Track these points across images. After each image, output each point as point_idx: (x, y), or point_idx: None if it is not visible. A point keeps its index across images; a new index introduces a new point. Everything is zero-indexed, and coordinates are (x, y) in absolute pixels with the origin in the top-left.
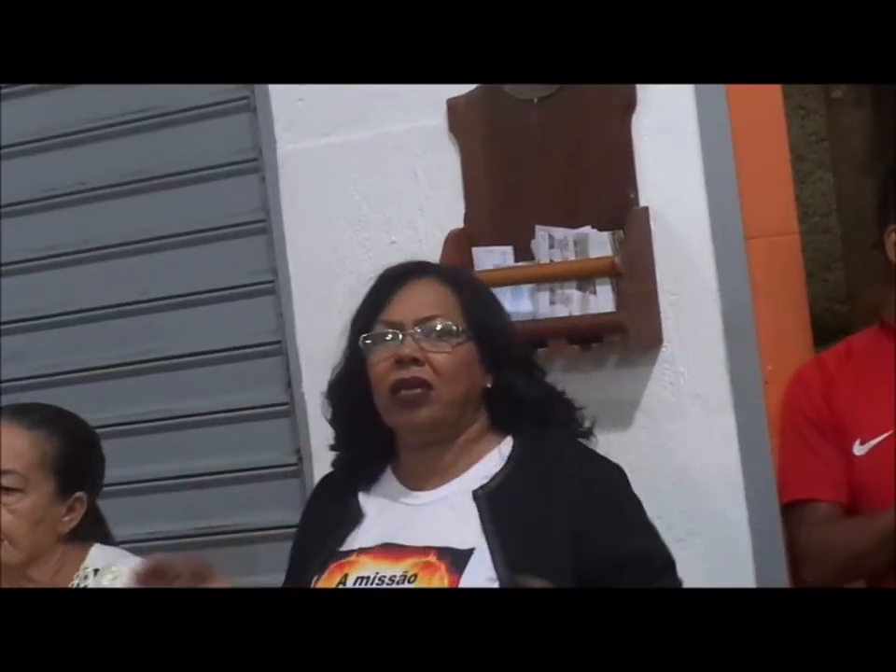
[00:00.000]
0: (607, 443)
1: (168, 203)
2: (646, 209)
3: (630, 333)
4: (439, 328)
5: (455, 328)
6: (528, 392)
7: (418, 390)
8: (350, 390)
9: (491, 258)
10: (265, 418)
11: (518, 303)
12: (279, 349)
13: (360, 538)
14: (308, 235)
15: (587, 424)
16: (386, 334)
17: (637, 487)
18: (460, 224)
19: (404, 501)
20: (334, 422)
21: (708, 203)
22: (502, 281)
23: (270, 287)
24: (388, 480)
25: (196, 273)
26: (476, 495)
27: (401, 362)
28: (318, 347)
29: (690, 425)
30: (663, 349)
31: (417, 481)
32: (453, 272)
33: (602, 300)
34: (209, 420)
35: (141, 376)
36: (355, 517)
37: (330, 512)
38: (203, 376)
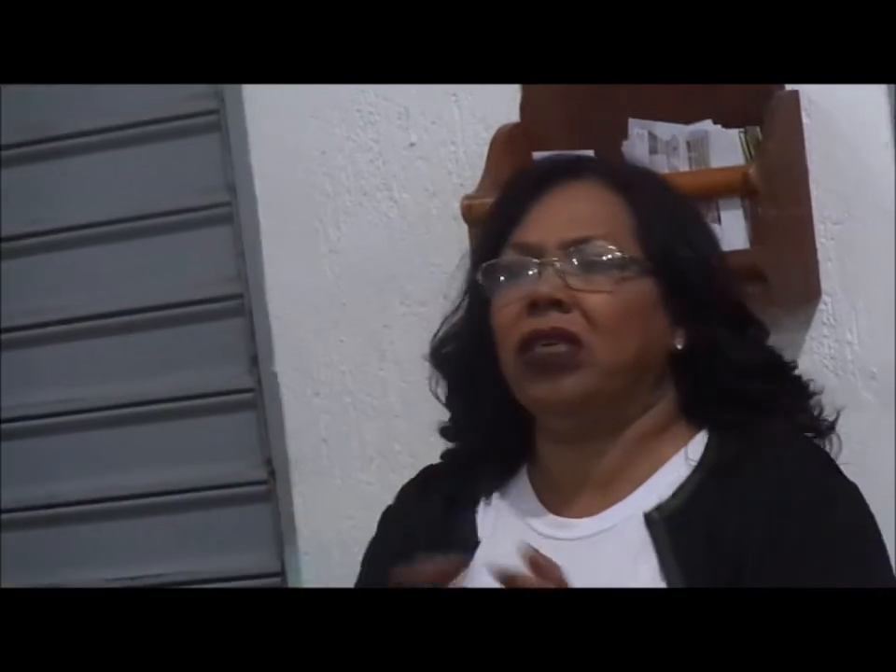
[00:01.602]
0: None
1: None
2: (795, 94)
3: (772, 282)
4: (596, 255)
5: (622, 255)
6: (742, 360)
7: (561, 347)
8: (466, 351)
9: None
10: (220, 411)
11: None
12: (239, 307)
13: (469, 577)
14: (280, 131)
15: (828, 417)
16: (519, 264)
17: None
18: (514, 117)
19: (543, 530)
20: (445, 398)
21: (890, 89)
22: None
23: (225, 212)
24: (522, 489)
25: (117, 190)
26: (650, 519)
27: (536, 305)
28: (298, 303)
29: (862, 417)
30: (821, 307)
31: (564, 497)
32: (628, 171)
33: (729, 231)
34: (134, 414)
35: (37, 347)
36: (465, 541)
37: (430, 527)
38: (126, 346)
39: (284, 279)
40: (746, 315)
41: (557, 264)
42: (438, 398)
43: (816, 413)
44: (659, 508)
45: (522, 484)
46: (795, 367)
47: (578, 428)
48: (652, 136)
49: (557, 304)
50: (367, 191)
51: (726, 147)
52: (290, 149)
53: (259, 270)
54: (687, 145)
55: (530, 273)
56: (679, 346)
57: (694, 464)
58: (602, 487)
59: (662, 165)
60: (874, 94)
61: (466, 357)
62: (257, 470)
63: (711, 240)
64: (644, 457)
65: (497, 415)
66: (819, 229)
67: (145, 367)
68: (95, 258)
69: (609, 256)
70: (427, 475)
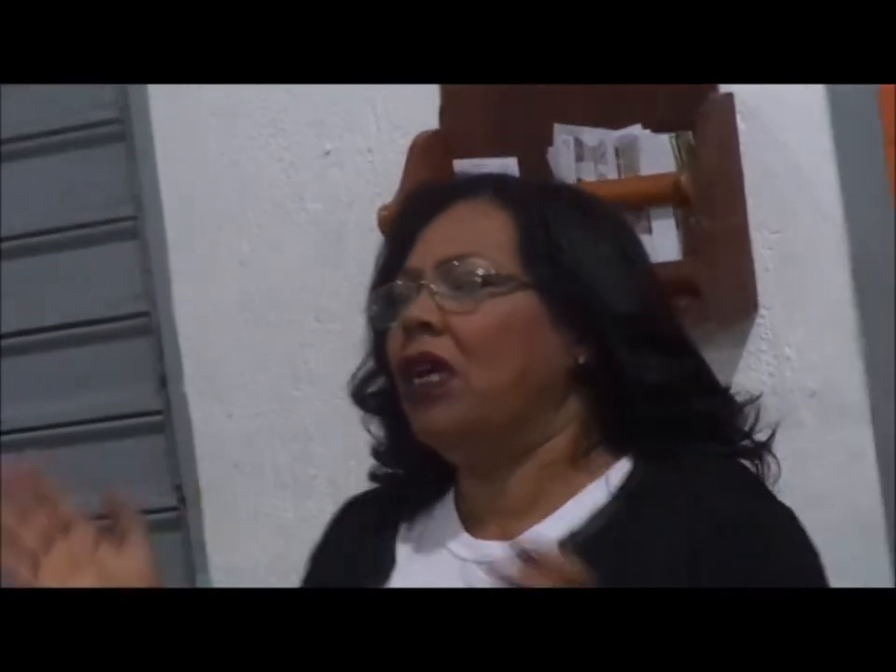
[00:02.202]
0: None
1: None
2: (730, 97)
3: (706, 295)
4: (468, 273)
5: (494, 272)
6: (652, 378)
7: (433, 377)
8: (382, 387)
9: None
10: (126, 435)
11: None
12: (146, 325)
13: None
14: (187, 141)
15: (759, 436)
16: (403, 290)
17: None
18: (433, 124)
19: (458, 552)
20: (372, 429)
21: (829, 90)
22: None
23: (130, 226)
24: (447, 512)
25: (18, 203)
26: (562, 546)
27: (408, 330)
28: (208, 321)
29: (802, 437)
30: (758, 321)
31: (482, 521)
32: (523, 186)
33: (661, 241)
34: (35, 438)
35: None
36: (381, 563)
37: (350, 553)
38: (27, 367)
39: (192, 295)
40: (666, 328)
41: (431, 286)
42: (371, 433)
43: (748, 433)
44: (573, 535)
45: (447, 507)
46: (720, 384)
47: (472, 459)
48: (579, 142)
49: (427, 328)
50: (279, 202)
51: (657, 153)
52: (198, 160)
53: (166, 286)
54: (615, 151)
55: (408, 297)
56: (581, 361)
57: (614, 491)
58: (515, 514)
59: (589, 172)
60: (811, 96)
61: (382, 393)
62: (165, 497)
63: (622, 250)
64: (559, 484)
65: (421, 446)
66: (756, 238)
67: (46, 388)
68: None
69: (481, 273)
70: (351, 505)
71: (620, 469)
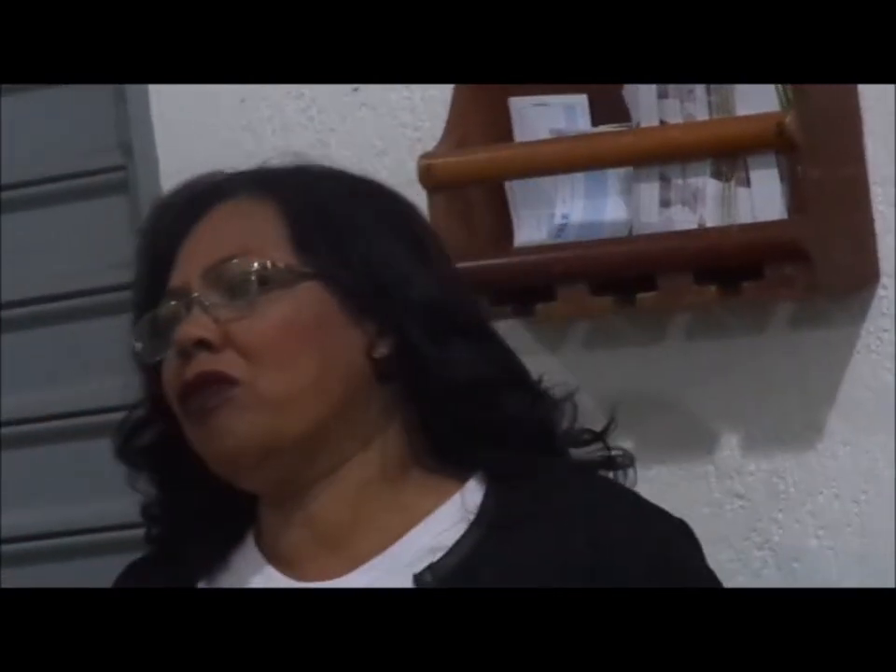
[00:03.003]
0: (765, 473)
1: None
2: None
3: (816, 261)
4: (239, 274)
5: (268, 267)
6: (465, 369)
7: (212, 394)
8: (154, 434)
9: (545, 116)
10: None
11: (598, 204)
12: None
13: None
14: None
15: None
16: (169, 314)
17: (819, 562)
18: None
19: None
20: (149, 490)
21: None
22: (567, 162)
23: (120, 177)
24: (251, 559)
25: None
26: (421, 581)
27: (183, 354)
28: None
29: None
30: (880, 292)
31: (296, 561)
32: (283, 175)
33: (762, 197)
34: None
35: None
36: None
37: None
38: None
39: None
40: (465, 319)
41: (201, 299)
42: (140, 491)
43: (600, 436)
44: (432, 568)
45: (250, 554)
46: (534, 379)
47: (272, 482)
48: None
49: (204, 345)
50: (298, 149)
51: (756, 90)
52: (201, 98)
53: None
54: (706, 87)
55: (181, 319)
56: (380, 355)
57: (472, 517)
58: (335, 547)
59: (674, 113)
60: None
61: (155, 441)
62: None
63: (420, 236)
64: (385, 507)
65: (204, 489)
66: (877, 193)
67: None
68: None
69: (253, 270)
70: (132, 570)
71: (472, 493)
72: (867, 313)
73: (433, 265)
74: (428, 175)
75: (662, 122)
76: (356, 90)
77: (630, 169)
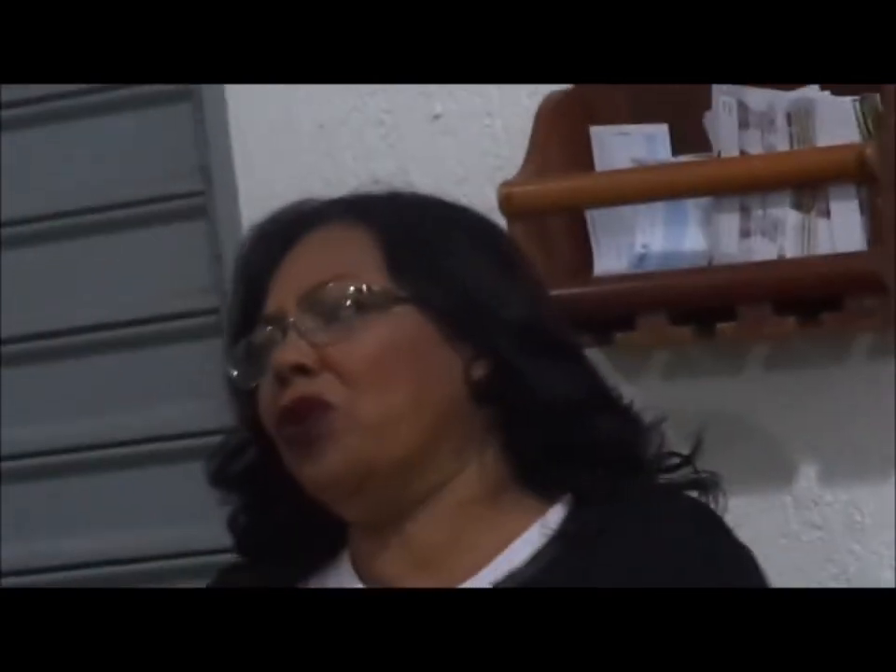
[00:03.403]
0: (842, 504)
1: None
2: None
3: (895, 294)
4: (335, 299)
5: (364, 291)
6: (561, 388)
7: (312, 420)
8: (250, 461)
9: (626, 146)
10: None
11: (678, 233)
12: (216, 324)
13: None
14: (268, 100)
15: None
16: (265, 339)
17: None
18: (568, 85)
19: None
20: (238, 519)
21: None
22: (647, 191)
23: (199, 202)
24: (343, 577)
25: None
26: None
27: (281, 379)
28: None
29: None
30: None
31: (395, 581)
32: (378, 202)
33: (842, 228)
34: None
35: None
36: None
37: None
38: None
39: None
40: (558, 340)
41: (297, 324)
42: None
43: (688, 459)
44: (512, 575)
45: (345, 576)
46: (625, 402)
47: (371, 508)
48: (743, 106)
49: (301, 370)
50: (378, 177)
51: (837, 120)
52: (280, 123)
53: None
54: (787, 117)
55: (277, 344)
56: (478, 377)
57: (551, 534)
58: (432, 569)
59: (755, 143)
60: None
61: (251, 466)
62: None
63: (511, 259)
64: (482, 529)
65: (299, 512)
66: None
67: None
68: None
69: (349, 295)
70: (226, 578)
71: (555, 514)
72: None
73: (525, 286)
74: (508, 204)
75: (742, 153)
76: (437, 117)
77: (710, 199)
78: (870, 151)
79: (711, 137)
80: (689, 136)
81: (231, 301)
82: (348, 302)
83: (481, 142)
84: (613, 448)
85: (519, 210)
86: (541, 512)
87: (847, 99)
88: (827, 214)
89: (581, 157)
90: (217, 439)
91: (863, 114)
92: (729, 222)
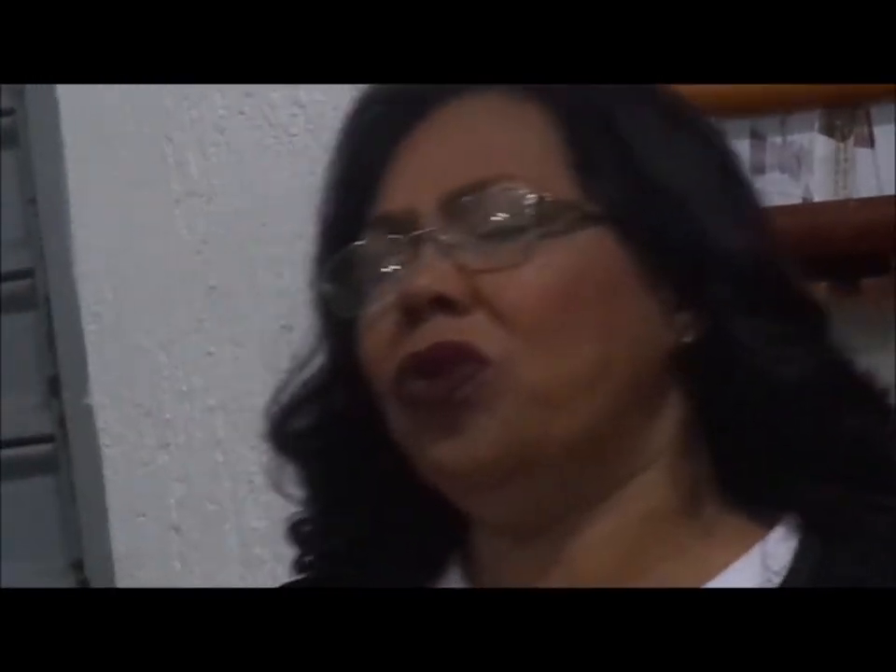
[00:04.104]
0: None
1: None
2: None
3: None
4: (504, 208)
5: (549, 201)
6: (796, 368)
7: (459, 376)
8: (326, 416)
9: None
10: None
11: None
12: (29, 289)
13: None
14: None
15: None
16: (382, 250)
17: None
18: None
19: None
20: (303, 494)
21: None
22: None
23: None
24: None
25: None
26: None
27: (413, 312)
28: (118, 283)
29: None
30: None
31: None
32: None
33: (888, 161)
34: None
35: None
36: None
37: None
38: None
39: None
40: (794, 296)
41: (440, 236)
42: (287, 494)
43: None
44: None
45: (454, 587)
46: (879, 385)
47: (523, 508)
48: None
49: (446, 304)
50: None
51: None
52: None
53: (63, 235)
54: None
55: (402, 260)
56: (688, 340)
57: (775, 577)
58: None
59: None
60: None
61: (327, 425)
62: (61, 575)
63: (735, 171)
64: (670, 554)
65: (395, 500)
66: None
67: None
68: None
69: (527, 204)
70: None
71: (779, 545)
72: None
73: (752, 209)
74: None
75: None
76: None
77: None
78: None
79: None
80: None
81: (327, 190)
82: (516, 213)
83: None
84: (859, 453)
85: None
86: (751, 540)
87: None
88: (870, 142)
89: None
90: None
91: None
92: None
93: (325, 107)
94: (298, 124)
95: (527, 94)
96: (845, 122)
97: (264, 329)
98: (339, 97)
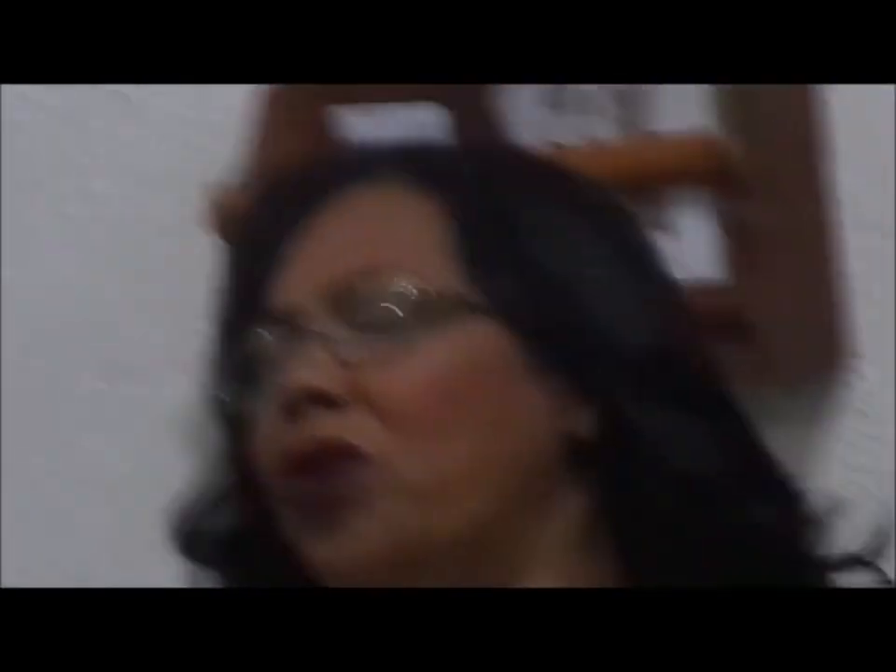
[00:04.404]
0: None
1: None
2: None
3: (763, 336)
4: (373, 298)
5: (428, 290)
6: (702, 460)
7: (337, 476)
8: (221, 515)
9: (384, 129)
10: None
11: None
12: None
13: None
14: None
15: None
16: (262, 344)
17: None
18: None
19: None
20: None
21: None
22: None
23: None
24: None
25: None
26: None
27: (291, 409)
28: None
29: None
30: (851, 380)
31: None
32: (452, 157)
33: (690, 248)
34: None
35: None
36: None
37: None
38: None
39: None
40: (701, 384)
41: (322, 329)
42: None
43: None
44: None
45: None
46: (790, 476)
47: None
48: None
49: (324, 399)
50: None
51: (681, 104)
52: None
53: None
54: (616, 99)
55: (287, 354)
56: (582, 433)
57: None
58: None
59: (568, 131)
60: None
61: (235, 529)
62: None
63: (640, 252)
64: None
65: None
66: (850, 245)
67: None
68: None
69: (411, 297)
70: None
71: None
72: (834, 406)
73: (658, 292)
74: (220, 219)
75: (555, 145)
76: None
77: None
78: (727, 143)
79: (507, 123)
80: (475, 122)
81: (220, 285)
82: (399, 307)
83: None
84: (765, 544)
85: (233, 229)
86: None
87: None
88: (672, 231)
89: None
90: None
91: (718, 96)
92: None
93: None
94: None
95: (422, 185)
96: (647, 211)
97: None
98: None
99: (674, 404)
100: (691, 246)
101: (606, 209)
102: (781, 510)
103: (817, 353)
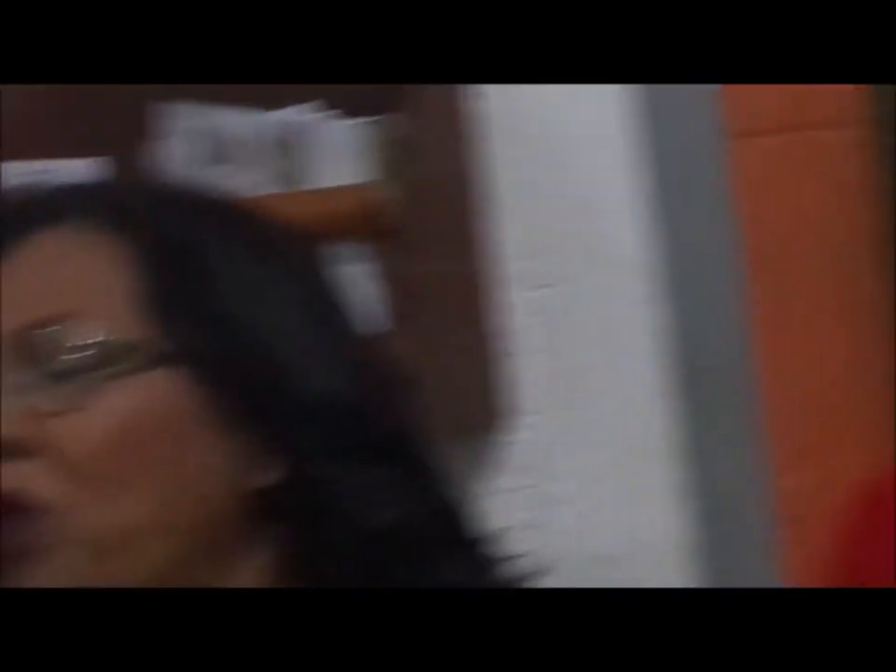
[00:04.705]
0: None
1: None
2: None
3: (425, 392)
4: (54, 346)
5: (104, 337)
6: (388, 513)
7: (14, 529)
8: None
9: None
10: None
11: None
12: None
13: None
14: None
15: None
16: None
17: None
18: None
19: None
20: None
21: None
22: None
23: None
24: None
25: None
26: None
27: None
28: None
29: None
30: (510, 438)
31: None
32: (139, 197)
33: (354, 301)
34: None
35: None
36: None
37: None
38: None
39: None
40: (390, 434)
41: (10, 377)
42: None
43: None
44: None
45: None
46: (480, 528)
47: None
48: (215, 133)
49: (9, 450)
50: None
51: (340, 152)
52: None
53: None
54: (272, 146)
55: None
56: (269, 482)
57: None
58: None
59: (215, 182)
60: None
61: None
62: None
63: (329, 298)
64: None
65: None
66: (515, 297)
67: None
68: None
69: (91, 344)
70: None
71: None
72: (494, 466)
73: (347, 345)
74: None
75: None
76: None
77: None
78: (381, 194)
79: (162, 176)
80: (131, 174)
81: None
82: (84, 354)
83: None
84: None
85: None
86: None
87: (354, 122)
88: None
89: None
90: None
91: (380, 141)
92: None
93: None
94: None
95: (103, 227)
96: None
97: None
98: None
99: (362, 458)
100: (353, 298)
101: (294, 254)
102: (469, 565)
103: (472, 409)
